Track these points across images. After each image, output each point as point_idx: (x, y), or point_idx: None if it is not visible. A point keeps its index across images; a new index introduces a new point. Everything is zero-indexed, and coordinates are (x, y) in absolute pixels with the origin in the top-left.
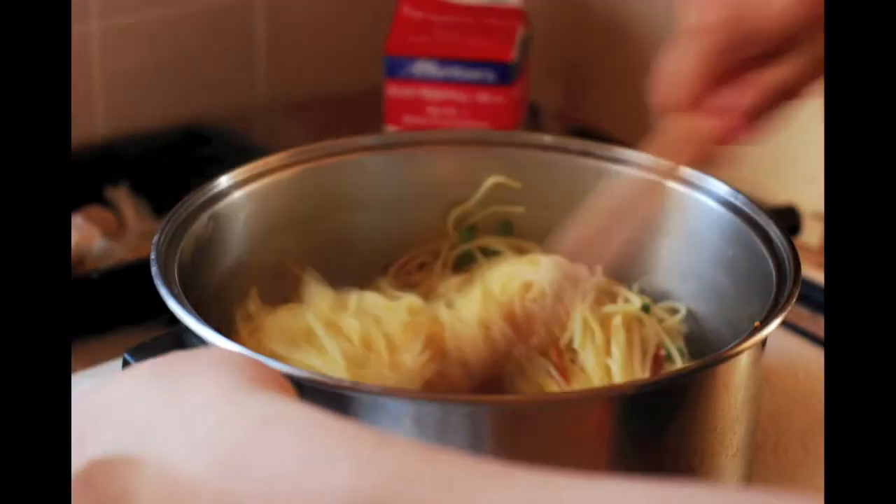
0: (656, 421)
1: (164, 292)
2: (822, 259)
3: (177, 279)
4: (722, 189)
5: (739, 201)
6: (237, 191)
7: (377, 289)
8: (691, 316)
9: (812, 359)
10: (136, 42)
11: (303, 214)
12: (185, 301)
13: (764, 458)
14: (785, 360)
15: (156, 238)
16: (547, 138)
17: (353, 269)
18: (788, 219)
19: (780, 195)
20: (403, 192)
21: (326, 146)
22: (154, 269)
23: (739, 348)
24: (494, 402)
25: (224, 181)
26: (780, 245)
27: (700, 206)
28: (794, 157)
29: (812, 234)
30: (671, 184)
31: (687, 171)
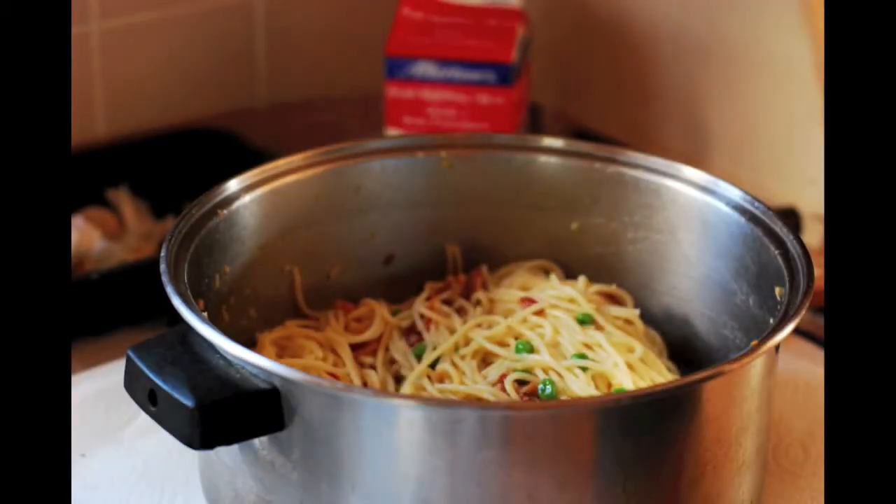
0: (658, 430)
1: (170, 290)
2: (822, 260)
3: (185, 279)
4: (736, 194)
5: (754, 207)
6: (247, 194)
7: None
8: (703, 320)
9: (812, 360)
10: (136, 42)
11: (313, 217)
12: (192, 300)
13: (764, 461)
14: (784, 362)
15: (167, 238)
16: (560, 142)
17: (363, 273)
18: (788, 220)
19: (780, 196)
20: (414, 195)
21: (336, 149)
22: (163, 267)
23: (738, 362)
24: (493, 407)
25: (234, 184)
26: (793, 252)
27: (714, 211)
28: (794, 159)
29: (812, 235)
30: (685, 188)
31: (700, 176)
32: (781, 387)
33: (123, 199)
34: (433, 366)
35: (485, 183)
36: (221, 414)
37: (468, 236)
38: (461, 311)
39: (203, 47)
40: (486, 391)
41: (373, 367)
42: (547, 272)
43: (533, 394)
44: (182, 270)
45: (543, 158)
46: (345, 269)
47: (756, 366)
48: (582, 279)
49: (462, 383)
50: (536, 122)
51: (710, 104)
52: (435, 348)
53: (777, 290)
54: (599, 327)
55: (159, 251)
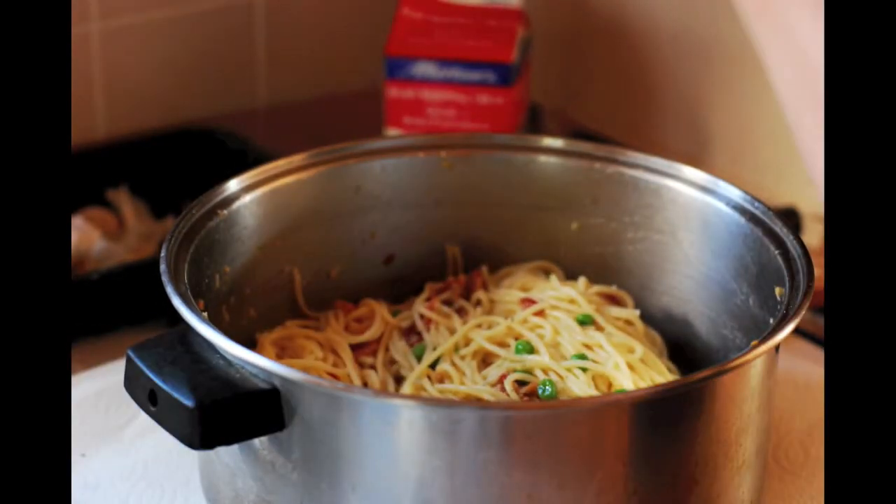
0: (657, 431)
1: (170, 290)
2: (822, 260)
3: (185, 279)
4: (736, 194)
5: (754, 207)
6: (247, 194)
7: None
8: (703, 320)
9: (812, 360)
10: (136, 42)
11: (313, 217)
12: (192, 301)
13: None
14: (784, 362)
15: (167, 238)
16: (560, 142)
17: (363, 273)
18: (789, 220)
19: (780, 196)
20: (414, 195)
21: (336, 149)
22: (163, 268)
23: (738, 362)
24: (493, 407)
25: (234, 184)
26: (793, 252)
27: (714, 211)
28: (794, 159)
29: (812, 235)
30: (684, 188)
31: (700, 176)
32: (781, 387)
33: (123, 199)
34: (433, 366)
35: (485, 183)
36: (221, 414)
37: (468, 236)
38: (461, 312)
39: (203, 47)
40: (485, 391)
41: (373, 367)
42: (547, 273)
43: (533, 394)
44: (182, 270)
45: (543, 158)
46: (345, 269)
47: (756, 366)
48: (582, 280)
49: (462, 384)
50: (536, 122)
51: (710, 104)
52: (435, 349)
53: (777, 290)
54: (600, 328)
55: (159, 251)
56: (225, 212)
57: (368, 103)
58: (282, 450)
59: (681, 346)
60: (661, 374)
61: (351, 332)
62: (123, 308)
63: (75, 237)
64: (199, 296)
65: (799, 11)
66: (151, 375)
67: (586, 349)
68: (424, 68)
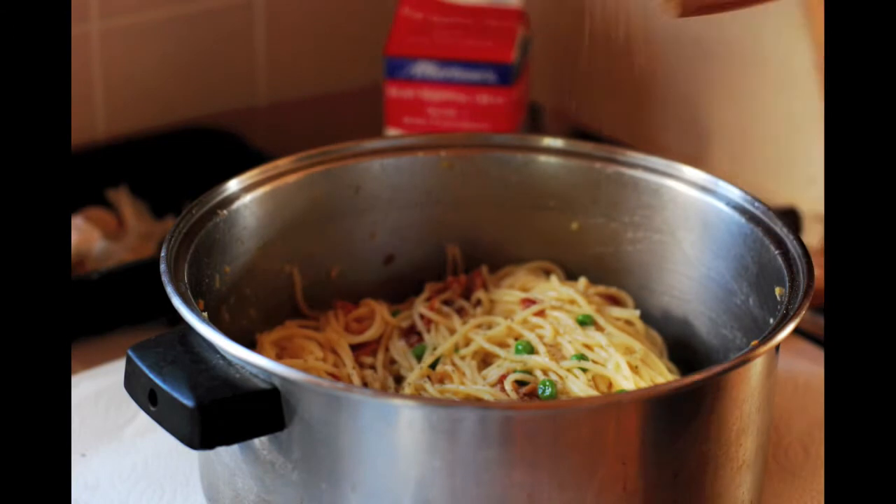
0: (657, 431)
1: (170, 290)
2: (822, 260)
3: (185, 279)
4: (736, 194)
5: (754, 207)
6: (247, 194)
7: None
8: (702, 320)
9: (812, 360)
10: (136, 42)
11: (313, 217)
12: (192, 301)
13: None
14: (784, 362)
15: (167, 238)
16: (560, 142)
17: (363, 273)
18: (789, 220)
19: (780, 196)
20: (414, 195)
21: (336, 149)
22: (163, 268)
23: (738, 362)
24: (493, 407)
25: (234, 184)
26: (793, 252)
27: (714, 211)
28: (794, 159)
29: (812, 235)
30: (684, 188)
31: (700, 176)
32: (781, 387)
33: (123, 199)
34: (433, 366)
35: (485, 183)
36: (221, 414)
37: (468, 236)
38: (461, 312)
39: (203, 47)
40: (485, 392)
41: (373, 367)
42: (547, 273)
43: (532, 394)
44: (182, 270)
45: (543, 158)
46: (345, 269)
47: (756, 366)
48: (582, 280)
49: (462, 384)
50: (536, 122)
51: (710, 104)
52: (435, 349)
53: (777, 290)
54: (600, 328)
55: (159, 251)
56: (225, 212)
57: (368, 103)
58: (282, 450)
59: (681, 346)
60: (661, 374)
61: (351, 332)
62: (123, 308)
63: (75, 237)
64: (199, 296)
65: None
66: (151, 375)
67: (586, 349)
68: (424, 68)
